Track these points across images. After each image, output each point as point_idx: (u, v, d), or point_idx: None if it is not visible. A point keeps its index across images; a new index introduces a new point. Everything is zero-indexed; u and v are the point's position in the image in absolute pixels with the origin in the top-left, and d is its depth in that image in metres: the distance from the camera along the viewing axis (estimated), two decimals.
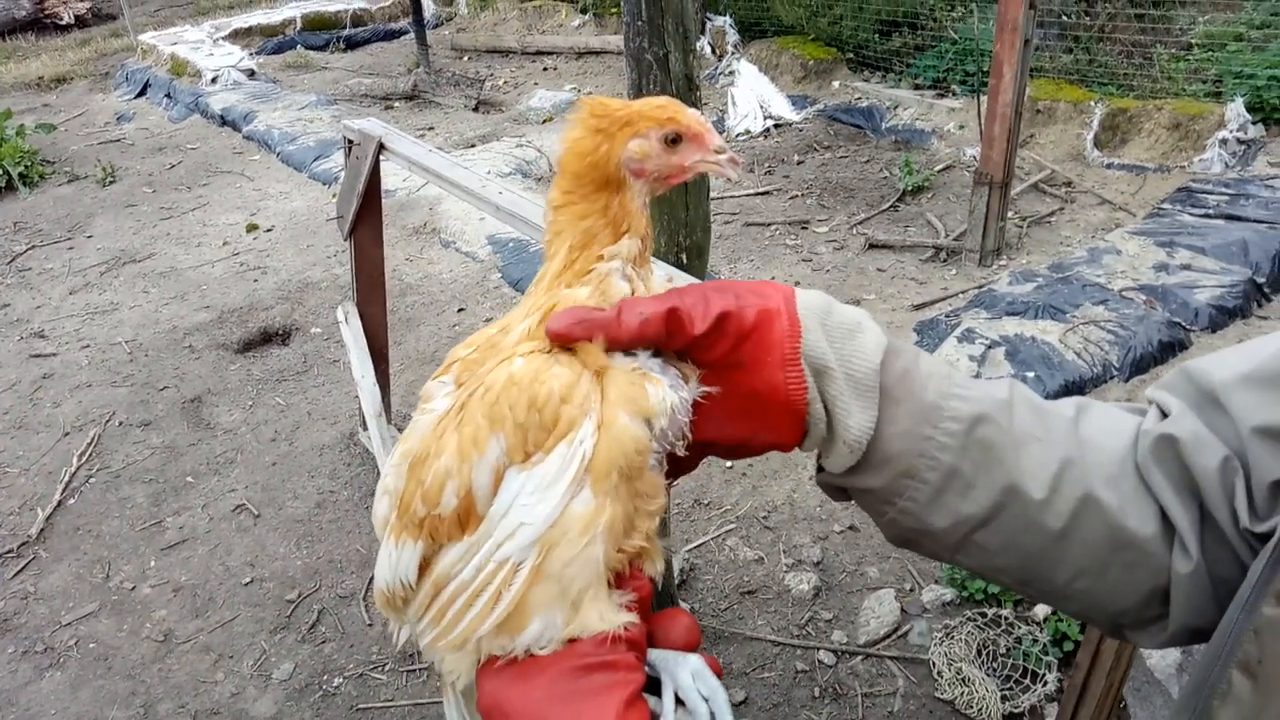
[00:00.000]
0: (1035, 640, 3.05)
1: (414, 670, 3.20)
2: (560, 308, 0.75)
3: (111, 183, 8.08)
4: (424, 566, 0.74)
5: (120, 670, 3.26)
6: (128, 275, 6.36)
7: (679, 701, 0.69)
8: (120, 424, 4.67)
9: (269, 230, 6.91)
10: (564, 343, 0.73)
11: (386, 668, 3.21)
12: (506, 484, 0.69)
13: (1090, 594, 0.80)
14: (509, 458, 0.69)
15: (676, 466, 0.81)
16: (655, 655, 0.71)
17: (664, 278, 0.83)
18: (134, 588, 3.63)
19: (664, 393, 0.71)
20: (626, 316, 0.73)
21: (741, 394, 0.77)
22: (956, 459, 0.77)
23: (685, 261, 2.59)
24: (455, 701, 0.81)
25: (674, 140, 0.76)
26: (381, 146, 3.51)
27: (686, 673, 0.69)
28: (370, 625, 3.38)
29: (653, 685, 0.71)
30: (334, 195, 7.09)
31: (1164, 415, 0.79)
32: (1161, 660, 2.67)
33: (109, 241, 6.94)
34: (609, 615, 0.68)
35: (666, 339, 0.74)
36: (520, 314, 0.78)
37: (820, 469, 0.85)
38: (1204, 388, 0.77)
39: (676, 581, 3.35)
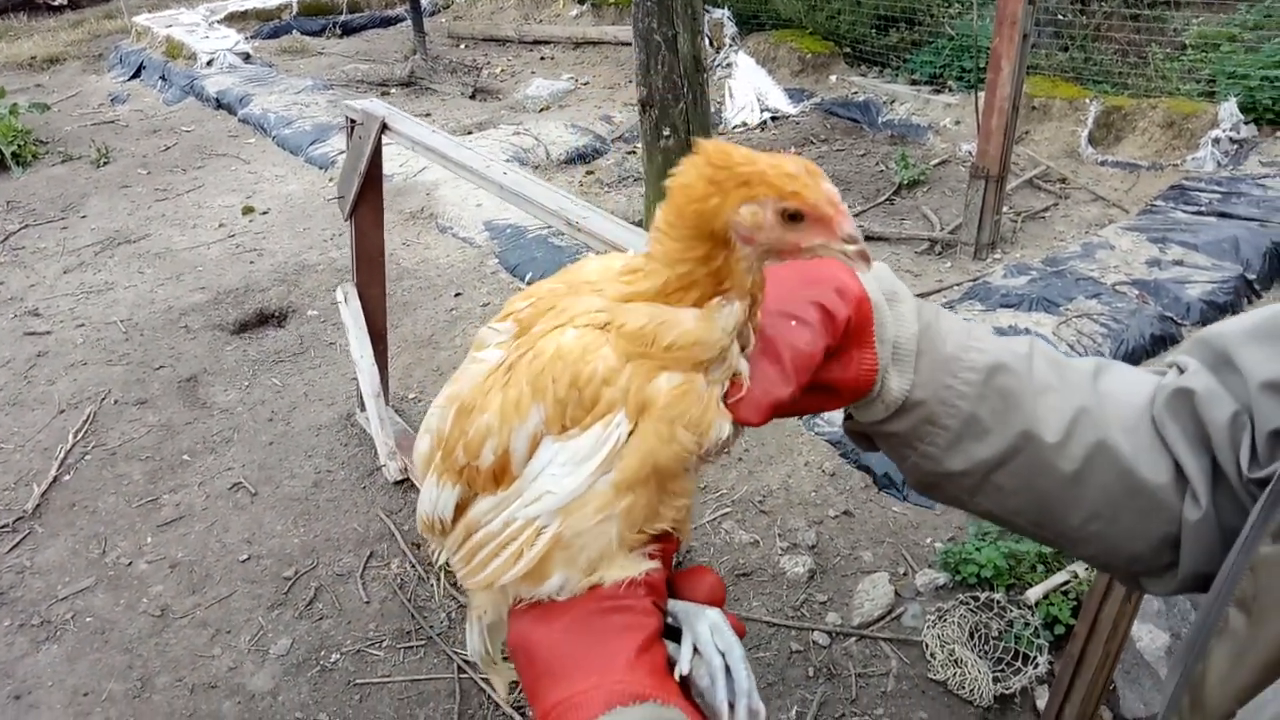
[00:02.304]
0: (1027, 624, 3.09)
1: (411, 647, 3.21)
2: (663, 322, 0.68)
3: (106, 163, 8.03)
4: (461, 507, 0.77)
5: (117, 644, 3.27)
6: (122, 255, 6.34)
7: (697, 652, 0.71)
8: (116, 402, 4.66)
9: (265, 213, 6.89)
10: (767, 416, 0.72)
11: (384, 644, 3.23)
12: (541, 451, 0.71)
13: (1104, 538, 0.83)
14: (547, 427, 0.70)
15: None
16: (677, 607, 0.73)
17: None
18: (130, 563, 3.63)
19: (726, 427, 0.71)
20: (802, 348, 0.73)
21: (818, 381, 0.78)
22: (974, 406, 0.81)
23: None
24: (480, 631, 0.84)
25: (794, 217, 0.66)
26: (385, 126, 3.52)
27: (705, 625, 0.70)
28: (367, 603, 3.40)
29: (675, 635, 0.73)
30: (330, 179, 7.09)
31: (1181, 374, 0.83)
32: (1151, 643, 2.72)
33: (103, 222, 6.91)
34: (629, 565, 0.70)
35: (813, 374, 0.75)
36: (598, 274, 0.74)
37: (848, 417, 0.88)
38: (1217, 348, 0.80)
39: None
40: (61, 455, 4.23)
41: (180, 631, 3.31)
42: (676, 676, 0.68)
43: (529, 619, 0.71)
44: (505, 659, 0.87)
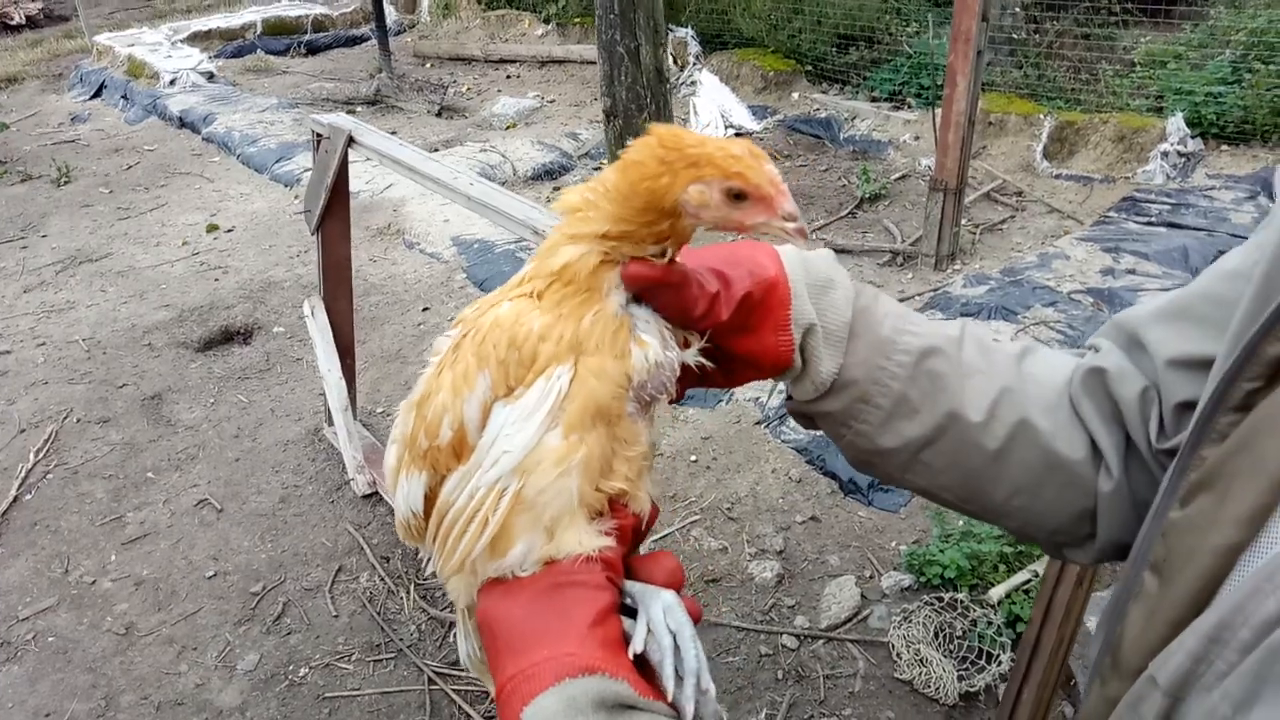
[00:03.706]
0: (990, 623, 3.15)
1: (380, 660, 3.20)
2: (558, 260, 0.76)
3: (66, 183, 7.94)
4: (430, 499, 0.80)
5: (80, 663, 3.22)
6: (84, 274, 6.27)
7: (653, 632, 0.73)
8: (78, 421, 4.60)
9: (230, 230, 6.85)
10: (641, 283, 0.75)
11: (353, 658, 3.21)
12: (493, 417, 0.74)
13: (1027, 512, 0.89)
14: (494, 392, 0.74)
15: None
16: (635, 588, 0.75)
17: None
18: (94, 582, 3.58)
19: (648, 354, 0.76)
20: (693, 285, 0.78)
21: (735, 351, 0.84)
22: (906, 387, 0.86)
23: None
24: (461, 622, 0.87)
25: (739, 196, 0.71)
26: (351, 140, 3.54)
27: (659, 606, 0.73)
28: (336, 616, 3.38)
29: (634, 615, 0.75)
30: (296, 196, 7.07)
31: (1096, 354, 0.89)
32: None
33: (64, 241, 6.83)
34: (586, 540, 0.73)
35: (699, 321, 0.80)
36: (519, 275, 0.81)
37: (789, 398, 0.93)
38: (1128, 330, 0.87)
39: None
40: (22, 474, 4.17)
41: (145, 649, 3.27)
42: (631, 654, 0.70)
43: (493, 596, 0.74)
44: None
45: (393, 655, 3.21)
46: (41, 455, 4.32)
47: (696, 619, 0.74)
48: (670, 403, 0.89)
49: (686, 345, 0.81)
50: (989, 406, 0.86)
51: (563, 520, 0.73)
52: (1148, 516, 0.74)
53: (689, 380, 0.84)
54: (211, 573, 3.61)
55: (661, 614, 0.72)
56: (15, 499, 4.03)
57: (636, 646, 0.70)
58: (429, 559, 0.84)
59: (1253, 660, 0.50)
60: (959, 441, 0.86)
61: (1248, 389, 0.63)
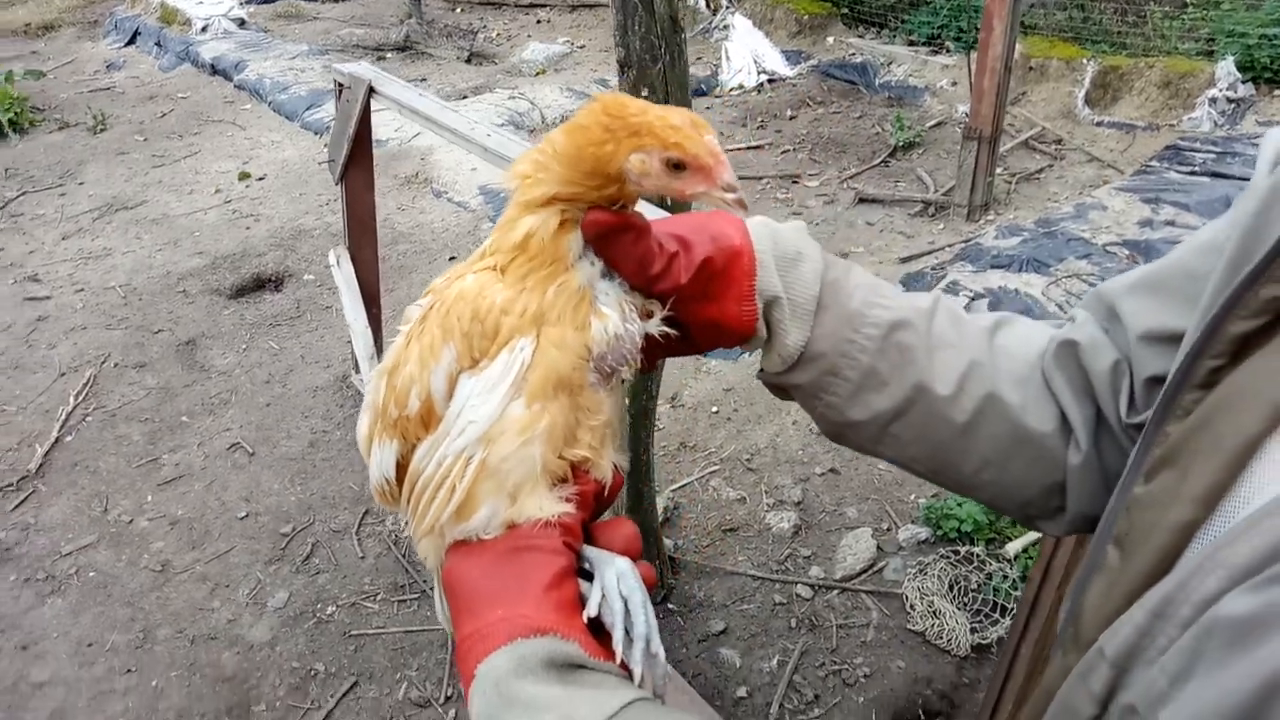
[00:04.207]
0: (1005, 576, 3.16)
1: (404, 600, 3.30)
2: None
3: (102, 130, 8.04)
4: (402, 466, 0.83)
5: (119, 598, 3.36)
6: (120, 221, 6.37)
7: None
8: (115, 365, 4.73)
9: (261, 178, 6.91)
10: (601, 229, 0.76)
11: (379, 597, 3.32)
12: (459, 388, 0.76)
13: (996, 484, 0.89)
14: (459, 364, 0.76)
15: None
16: (591, 553, 0.78)
17: None
18: (131, 521, 3.71)
19: (607, 326, 0.77)
20: (651, 238, 0.79)
21: (699, 319, 0.85)
22: (874, 359, 0.86)
23: (669, 203, 2.64)
24: (436, 583, 0.90)
25: (678, 166, 0.72)
26: (371, 90, 3.53)
27: (612, 572, 0.75)
28: (363, 558, 3.48)
29: (592, 579, 0.77)
30: (325, 145, 7.08)
31: (1073, 326, 0.89)
32: None
33: (101, 188, 6.94)
34: (547, 505, 0.75)
35: (655, 281, 0.81)
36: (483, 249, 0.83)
37: (761, 370, 0.94)
38: (1106, 301, 0.86)
39: (661, 519, 3.44)
40: (63, 417, 4.31)
41: (180, 586, 3.40)
42: (585, 617, 0.72)
43: (456, 558, 0.77)
44: None
45: (416, 596, 3.30)
46: (81, 398, 4.45)
47: (650, 585, 0.76)
48: (640, 373, 0.90)
49: (649, 316, 0.82)
50: (957, 380, 0.85)
51: (525, 486, 0.75)
52: (1114, 492, 0.74)
53: (657, 350, 0.85)
54: (243, 514, 3.72)
55: (615, 580, 0.74)
56: (57, 440, 4.17)
57: (591, 610, 0.72)
58: (405, 523, 0.87)
59: (1189, 636, 0.51)
60: (927, 414, 0.86)
61: (1211, 366, 0.63)
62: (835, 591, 3.23)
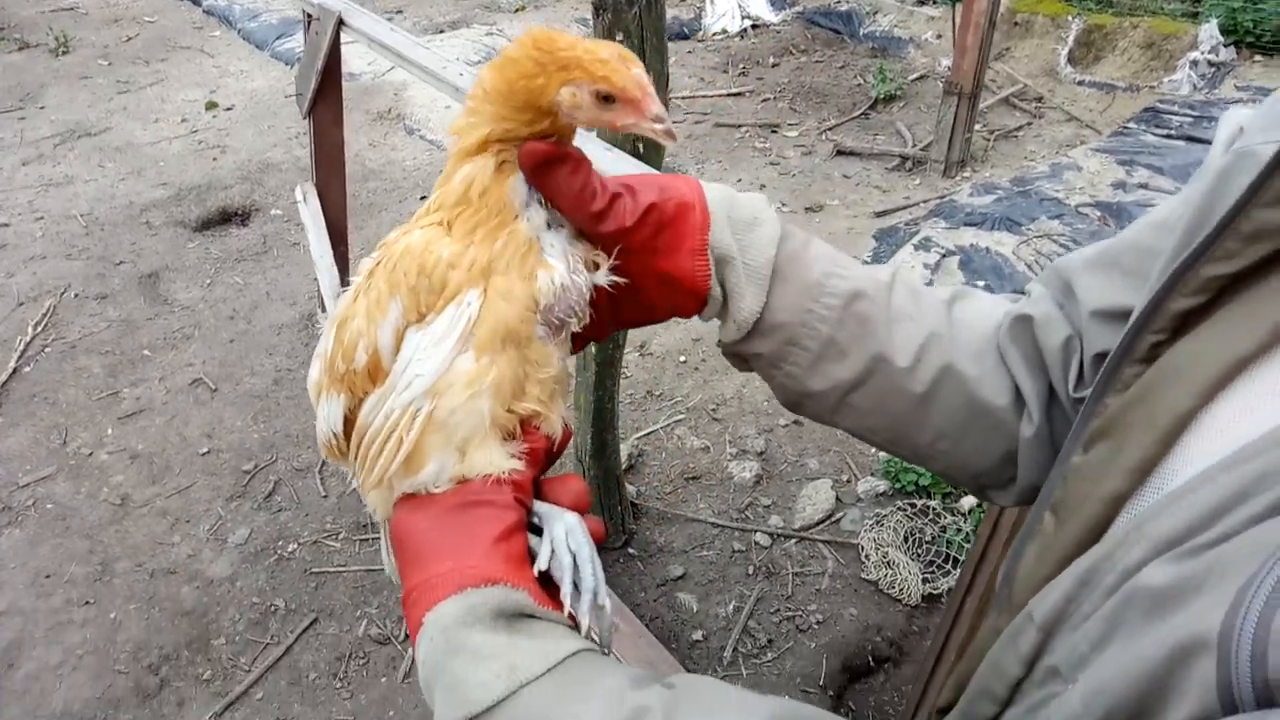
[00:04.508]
0: (959, 530, 3.23)
1: (366, 540, 3.31)
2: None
3: (65, 53, 7.77)
4: (350, 420, 0.82)
5: (78, 530, 3.35)
6: (83, 149, 6.20)
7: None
8: (76, 296, 4.64)
9: (229, 109, 6.74)
10: (539, 159, 0.75)
11: (340, 536, 3.33)
12: (406, 342, 0.76)
13: (951, 455, 0.90)
14: (406, 318, 0.76)
15: (588, 332, 0.87)
16: (542, 508, 0.78)
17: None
18: (91, 453, 3.68)
19: (553, 277, 0.77)
20: (592, 173, 0.78)
21: (651, 275, 0.84)
22: (834, 330, 0.86)
23: (641, 151, 2.60)
24: (383, 536, 0.90)
25: (608, 98, 0.72)
26: (341, 22, 3.43)
27: (561, 527, 0.76)
28: (325, 497, 3.48)
29: (542, 534, 0.78)
30: (296, 75, 6.90)
31: (1028, 300, 0.89)
32: None
33: (63, 113, 6.73)
34: (496, 460, 0.75)
35: (598, 219, 0.79)
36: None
37: (720, 341, 0.93)
38: (1063, 276, 0.86)
39: (625, 466, 3.47)
40: (21, 347, 4.23)
41: (140, 520, 3.39)
42: (535, 571, 0.73)
43: (404, 510, 0.76)
44: None
45: (378, 535, 3.30)
46: (40, 329, 4.38)
47: (599, 539, 0.77)
48: (593, 339, 0.89)
49: (596, 268, 0.81)
50: (915, 351, 0.86)
51: (474, 440, 0.75)
52: (1055, 463, 0.75)
53: (605, 316, 0.85)
54: (205, 450, 3.70)
55: (564, 534, 0.75)
56: (15, 370, 4.10)
57: (541, 564, 0.73)
58: (350, 475, 0.87)
59: (1111, 604, 0.53)
60: (885, 385, 0.87)
61: (1152, 341, 0.64)
62: (793, 540, 3.28)
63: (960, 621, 1.90)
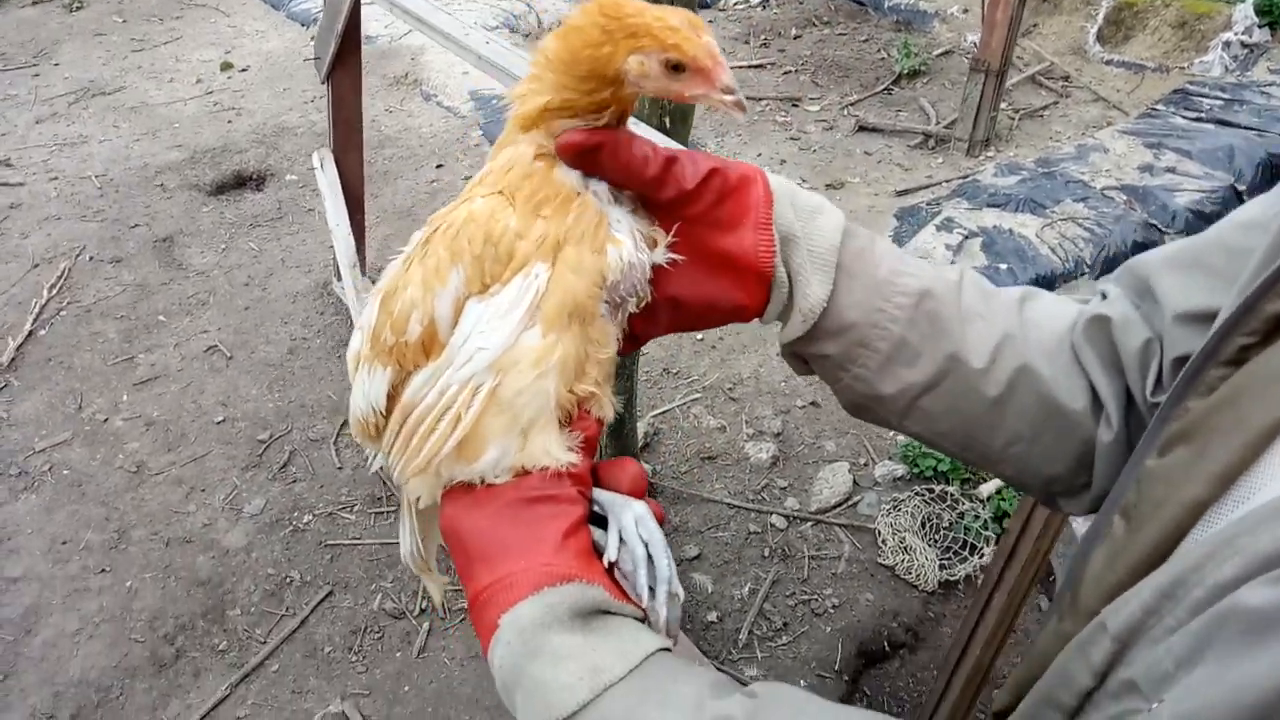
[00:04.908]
0: (977, 516, 3.20)
1: (381, 513, 3.31)
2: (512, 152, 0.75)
3: (79, 8, 7.69)
4: (393, 396, 0.78)
5: (94, 497, 3.35)
6: (97, 107, 6.15)
7: (622, 540, 0.74)
8: (90, 259, 4.61)
9: (244, 70, 6.66)
10: (575, 151, 0.73)
11: (355, 508, 3.32)
12: (466, 314, 0.72)
13: (1024, 459, 0.87)
14: (468, 288, 0.72)
15: (644, 328, 0.84)
16: (604, 496, 0.75)
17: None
18: (106, 419, 3.68)
19: (622, 252, 0.74)
20: (636, 145, 0.75)
21: (713, 253, 0.80)
22: (905, 330, 0.83)
23: (668, 126, 2.55)
24: (409, 522, 0.87)
25: (677, 68, 0.70)
26: None
27: (630, 515, 0.73)
28: (340, 469, 3.47)
29: (601, 523, 0.75)
30: (313, 37, 6.81)
31: (1104, 300, 0.86)
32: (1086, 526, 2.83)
33: (77, 71, 6.67)
34: (556, 452, 0.72)
35: (658, 185, 0.76)
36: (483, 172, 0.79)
37: (784, 343, 0.89)
38: (1140, 276, 0.82)
39: (640, 444, 3.45)
40: (36, 310, 4.22)
41: (156, 488, 3.39)
42: (605, 563, 0.71)
43: (461, 504, 0.73)
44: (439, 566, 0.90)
45: (393, 509, 3.31)
46: (55, 291, 4.36)
47: (661, 523, 0.75)
48: (645, 337, 0.85)
49: (654, 245, 0.78)
50: (990, 352, 0.83)
51: (538, 423, 0.72)
52: (1128, 465, 0.72)
53: (663, 316, 0.82)
54: (220, 418, 3.69)
55: (634, 524, 0.73)
56: (30, 334, 4.09)
57: (611, 555, 0.71)
58: (373, 456, 0.83)
59: (1201, 622, 0.50)
60: (959, 387, 0.84)
61: (1242, 343, 0.61)
62: (809, 523, 3.27)
63: (987, 618, 1.88)
